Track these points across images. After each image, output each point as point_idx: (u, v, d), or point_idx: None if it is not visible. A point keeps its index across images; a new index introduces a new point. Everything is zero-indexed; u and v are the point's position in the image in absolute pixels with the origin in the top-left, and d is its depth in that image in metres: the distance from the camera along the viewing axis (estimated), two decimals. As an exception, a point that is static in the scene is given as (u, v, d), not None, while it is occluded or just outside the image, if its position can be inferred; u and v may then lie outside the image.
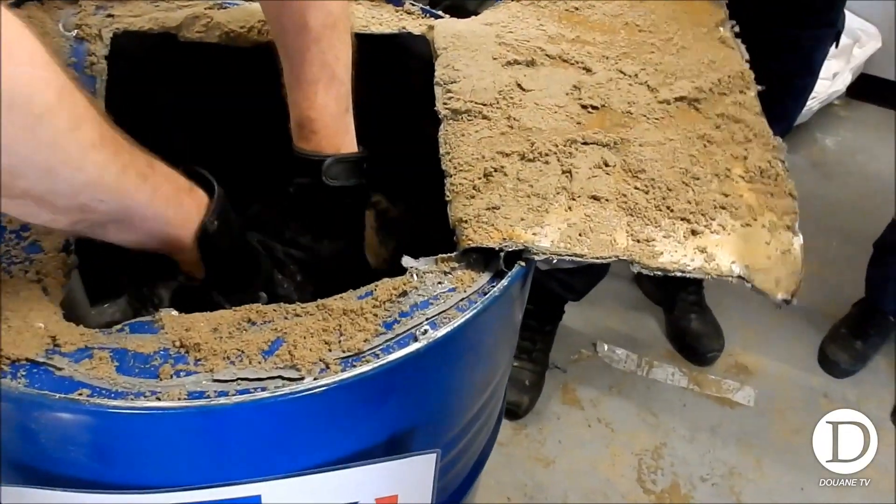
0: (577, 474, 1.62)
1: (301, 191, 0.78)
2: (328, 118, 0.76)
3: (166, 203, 0.63)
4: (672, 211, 0.70)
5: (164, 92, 0.94)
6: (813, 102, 2.41)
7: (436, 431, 0.73)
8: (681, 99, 0.80)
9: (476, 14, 0.93)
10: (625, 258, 0.67)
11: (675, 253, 0.68)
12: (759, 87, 0.83)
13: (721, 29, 0.90)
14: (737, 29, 0.91)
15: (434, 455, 0.66)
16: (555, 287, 1.63)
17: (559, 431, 1.68)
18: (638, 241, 0.68)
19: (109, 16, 0.89)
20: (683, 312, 1.86)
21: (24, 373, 0.57)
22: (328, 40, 0.73)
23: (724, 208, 0.71)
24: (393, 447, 0.68)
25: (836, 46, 1.52)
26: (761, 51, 1.32)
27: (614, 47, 0.86)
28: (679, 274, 0.67)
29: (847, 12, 2.42)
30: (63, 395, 0.55)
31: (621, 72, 0.83)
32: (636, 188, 0.72)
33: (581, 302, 1.74)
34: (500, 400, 0.95)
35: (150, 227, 0.63)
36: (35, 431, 0.58)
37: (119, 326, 0.62)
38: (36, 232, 0.67)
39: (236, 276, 0.72)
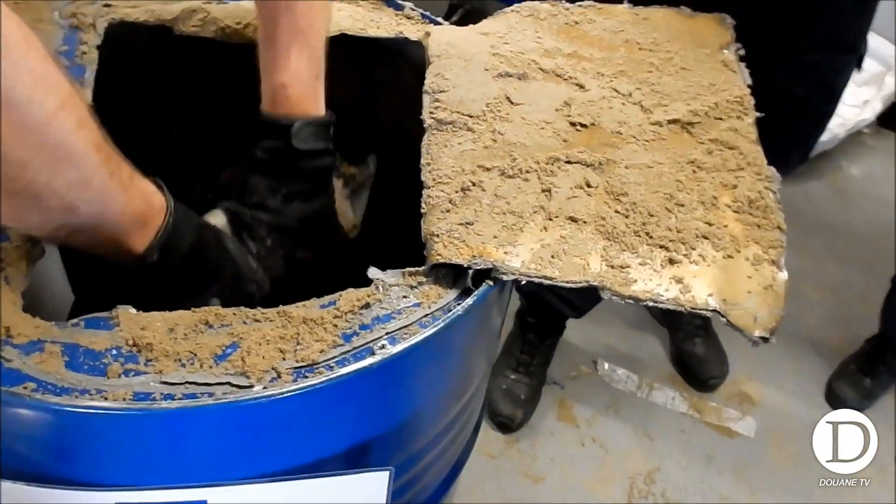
0: (567, 493, 1.59)
1: (269, 154, 0.78)
2: (300, 84, 0.77)
3: (134, 218, 0.63)
4: (651, 237, 0.68)
5: (156, 83, 0.93)
6: (840, 129, 2.35)
7: (397, 444, 0.71)
8: (674, 121, 0.78)
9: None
10: (596, 284, 0.65)
11: (649, 281, 0.66)
12: (758, 114, 0.81)
13: (725, 51, 0.88)
14: (742, 52, 0.88)
15: (387, 472, 0.65)
16: (553, 301, 1.60)
17: (552, 448, 1.66)
18: (612, 267, 0.66)
19: (106, 5, 0.89)
20: (688, 336, 1.82)
21: (-29, 362, 0.57)
22: (301, 7, 0.74)
23: (706, 238, 0.69)
24: (350, 459, 0.67)
25: (859, 69, 1.47)
26: (781, 76, 1.30)
27: (611, 64, 0.84)
28: (651, 304, 0.65)
29: (880, 38, 2.38)
30: (6, 388, 0.55)
31: (615, 90, 0.81)
32: (616, 212, 0.70)
33: (584, 318, 1.71)
34: (477, 411, 0.94)
35: (114, 236, 0.63)
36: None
37: (75, 321, 0.61)
38: (3, 219, 0.66)
39: (180, 292, 0.70)
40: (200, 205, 0.78)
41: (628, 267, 0.66)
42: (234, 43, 0.90)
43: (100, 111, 0.79)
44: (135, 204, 0.63)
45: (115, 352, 0.59)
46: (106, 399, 0.55)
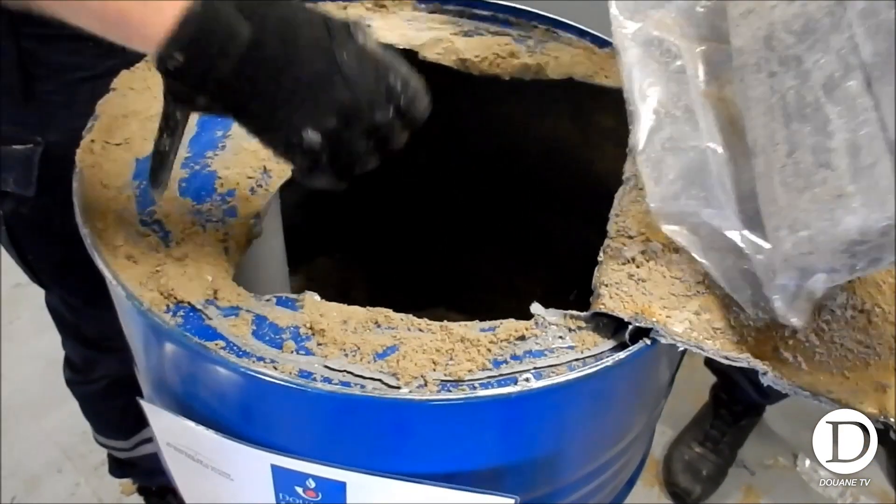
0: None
1: None
2: None
3: None
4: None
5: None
6: None
7: (531, 477, 0.73)
8: None
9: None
10: (755, 366, 0.62)
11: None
12: None
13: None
14: None
15: (512, 501, 0.67)
16: (742, 381, 1.50)
17: (727, 535, 1.57)
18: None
19: (367, 26, 0.99)
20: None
21: (182, 314, 0.67)
22: None
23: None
24: (483, 479, 0.70)
25: None
26: None
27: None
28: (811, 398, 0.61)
29: None
30: (199, 340, 0.64)
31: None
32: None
33: (792, 406, 1.60)
34: (629, 467, 0.92)
35: (110, 15, 0.52)
36: (174, 363, 0.68)
37: (268, 297, 0.70)
38: (237, 199, 0.77)
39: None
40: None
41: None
42: (469, 73, 0.96)
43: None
44: None
45: (293, 330, 0.66)
46: (276, 369, 0.63)
